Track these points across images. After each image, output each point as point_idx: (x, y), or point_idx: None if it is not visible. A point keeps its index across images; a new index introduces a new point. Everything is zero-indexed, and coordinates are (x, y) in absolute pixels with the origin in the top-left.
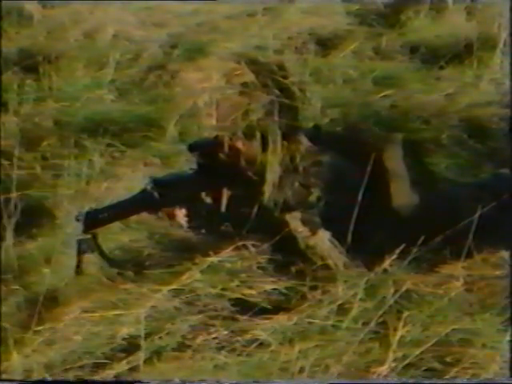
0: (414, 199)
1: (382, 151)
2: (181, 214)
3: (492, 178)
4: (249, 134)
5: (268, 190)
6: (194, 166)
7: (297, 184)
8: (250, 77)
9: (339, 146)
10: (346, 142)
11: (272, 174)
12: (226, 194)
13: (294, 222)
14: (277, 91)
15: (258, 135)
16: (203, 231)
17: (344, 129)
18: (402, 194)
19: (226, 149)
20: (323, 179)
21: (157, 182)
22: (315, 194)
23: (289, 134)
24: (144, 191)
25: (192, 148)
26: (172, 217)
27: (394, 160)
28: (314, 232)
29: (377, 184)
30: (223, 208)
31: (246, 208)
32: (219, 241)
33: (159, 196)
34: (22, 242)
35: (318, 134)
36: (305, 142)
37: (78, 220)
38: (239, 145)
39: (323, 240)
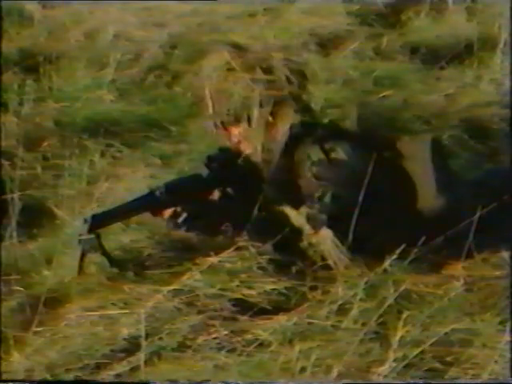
0: (440, 202)
1: (405, 150)
2: (167, 213)
3: (492, 175)
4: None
5: (264, 165)
6: (205, 174)
7: (309, 174)
8: (236, 62)
9: (357, 143)
10: (365, 139)
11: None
12: (217, 193)
13: (300, 218)
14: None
15: (245, 115)
16: (184, 229)
17: (361, 127)
18: (428, 197)
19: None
20: (335, 175)
21: (167, 187)
22: (325, 188)
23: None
24: (151, 193)
25: (211, 158)
26: (158, 215)
27: (422, 161)
28: (316, 230)
29: (401, 184)
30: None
31: (248, 209)
32: (218, 241)
33: (164, 198)
34: (22, 243)
35: (332, 129)
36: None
37: (85, 222)
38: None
39: (325, 239)
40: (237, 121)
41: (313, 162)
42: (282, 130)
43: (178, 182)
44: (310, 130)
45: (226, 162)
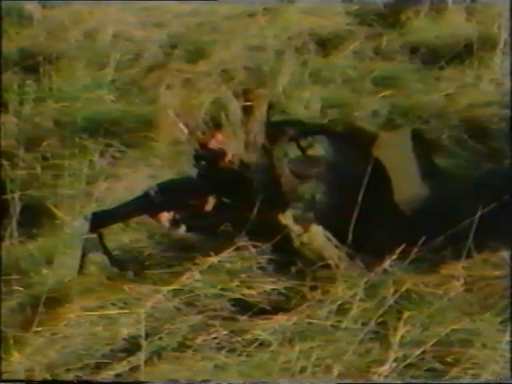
0: (424, 191)
1: (386, 145)
2: (164, 216)
3: (492, 175)
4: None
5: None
6: (194, 174)
7: (287, 171)
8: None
9: (339, 141)
10: (347, 137)
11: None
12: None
13: (287, 220)
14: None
15: (223, 116)
16: (183, 231)
17: (344, 124)
18: (412, 187)
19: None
20: (313, 170)
21: (160, 187)
22: (307, 186)
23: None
24: (146, 194)
25: (198, 157)
26: (157, 218)
27: (403, 154)
28: (306, 228)
29: (381, 179)
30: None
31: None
32: (218, 241)
33: (159, 200)
34: (22, 242)
35: (310, 126)
36: (290, 133)
37: (86, 220)
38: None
39: (317, 235)
40: (215, 127)
41: (290, 159)
42: (256, 129)
43: (170, 183)
44: (284, 128)
45: (212, 160)
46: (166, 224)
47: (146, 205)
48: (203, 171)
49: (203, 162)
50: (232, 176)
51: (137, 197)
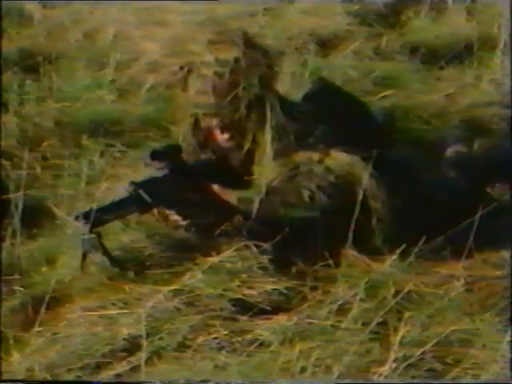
0: None
1: None
2: (173, 215)
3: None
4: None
5: (266, 163)
6: (166, 172)
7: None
8: (237, 51)
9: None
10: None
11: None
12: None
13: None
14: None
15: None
16: (193, 230)
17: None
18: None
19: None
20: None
21: (137, 185)
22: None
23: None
24: (133, 193)
25: (154, 156)
26: (166, 219)
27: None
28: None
29: None
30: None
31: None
32: (218, 241)
33: (149, 197)
34: (22, 243)
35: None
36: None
37: (85, 218)
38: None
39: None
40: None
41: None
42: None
43: (147, 181)
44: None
45: (172, 156)
46: (180, 222)
47: (136, 202)
48: (172, 168)
49: (163, 161)
50: (219, 165)
51: (126, 196)
